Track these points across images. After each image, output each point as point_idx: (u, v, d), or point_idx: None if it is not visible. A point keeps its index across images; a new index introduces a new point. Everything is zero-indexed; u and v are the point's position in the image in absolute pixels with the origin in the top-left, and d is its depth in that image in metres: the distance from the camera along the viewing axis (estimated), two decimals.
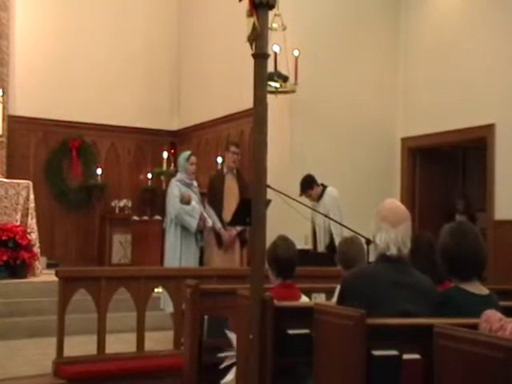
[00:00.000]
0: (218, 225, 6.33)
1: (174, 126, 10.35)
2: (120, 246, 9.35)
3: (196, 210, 6.06)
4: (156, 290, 5.44)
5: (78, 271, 5.53)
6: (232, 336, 3.52)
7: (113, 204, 9.73)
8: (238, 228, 6.33)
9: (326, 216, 6.08)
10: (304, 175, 6.55)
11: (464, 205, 7.97)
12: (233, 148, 6.54)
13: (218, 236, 6.36)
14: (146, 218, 9.56)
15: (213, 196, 6.49)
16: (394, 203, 2.83)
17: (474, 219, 7.53)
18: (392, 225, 2.70)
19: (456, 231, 2.69)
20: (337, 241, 6.25)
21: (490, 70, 6.99)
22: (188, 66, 10.16)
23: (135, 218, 9.44)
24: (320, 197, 6.50)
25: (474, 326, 2.27)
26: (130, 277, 5.17)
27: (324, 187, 6.54)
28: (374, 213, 2.79)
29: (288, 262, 3.51)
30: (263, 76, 3.00)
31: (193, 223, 6.01)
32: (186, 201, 6.00)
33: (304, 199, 6.30)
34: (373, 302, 2.52)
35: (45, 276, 7.08)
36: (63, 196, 9.54)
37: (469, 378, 2.06)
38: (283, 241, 3.59)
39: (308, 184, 6.48)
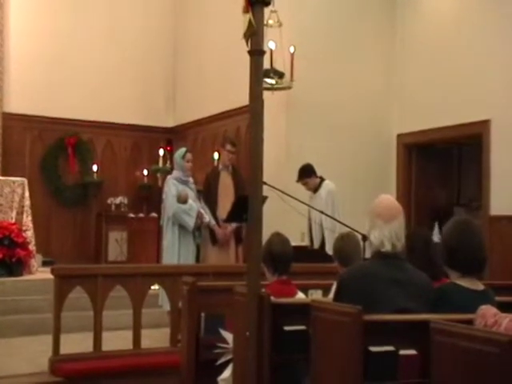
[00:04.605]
0: (212, 222, 6.33)
1: (170, 122, 10.33)
2: (116, 244, 9.34)
3: (193, 209, 6.05)
4: (153, 286, 5.43)
5: (74, 269, 5.51)
6: (227, 336, 3.53)
7: (109, 201, 9.71)
8: (234, 225, 6.33)
9: (321, 212, 6.09)
10: (304, 164, 6.57)
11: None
12: (228, 146, 6.52)
13: (212, 233, 6.37)
14: (142, 215, 9.55)
15: (207, 193, 6.48)
16: (388, 199, 2.84)
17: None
18: (386, 221, 2.70)
19: (461, 224, 2.71)
20: (327, 235, 6.29)
21: (485, 66, 7.00)
22: (184, 63, 10.14)
23: (131, 215, 9.43)
24: (317, 189, 6.53)
25: (470, 322, 2.28)
26: (126, 274, 5.16)
27: (322, 180, 6.58)
28: (368, 209, 2.80)
29: (283, 257, 3.52)
30: (259, 73, 3.00)
31: (190, 222, 6.00)
32: (182, 200, 5.99)
33: (301, 196, 6.30)
34: (370, 300, 2.53)
35: (41, 274, 7.06)
36: (59, 193, 9.53)
37: (465, 373, 2.07)
38: (277, 237, 3.61)
39: (306, 172, 6.51)
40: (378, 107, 8.11)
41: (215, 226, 6.33)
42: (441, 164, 8.38)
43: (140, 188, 10.00)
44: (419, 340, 2.35)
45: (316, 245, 6.52)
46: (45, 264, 7.87)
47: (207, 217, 6.25)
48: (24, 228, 7.24)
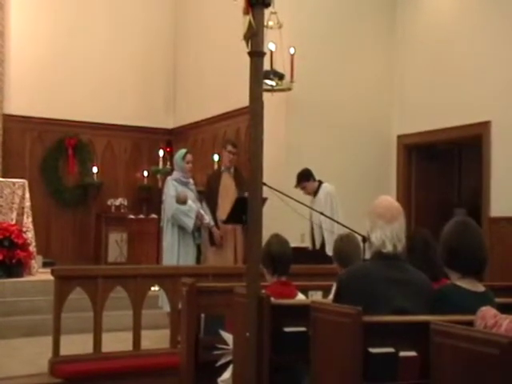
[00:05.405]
0: (211, 223, 6.34)
1: (170, 124, 10.34)
2: (116, 245, 9.34)
3: (192, 210, 6.05)
4: (153, 288, 5.43)
5: (74, 270, 5.52)
6: (227, 337, 3.53)
7: (109, 202, 9.71)
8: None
9: (321, 213, 6.09)
10: (302, 169, 6.58)
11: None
12: (229, 147, 6.53)
13: (210, 234, 6.38)
14: (141, 216, 9.54)
15: (208, 194, 6.50)
16: (388, 200, 2.84)
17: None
18: (387, 222, 2.70)
19: (460, 225, 2.71)
20: (326, 236, 6.29)
21: (485, 68, 7.00)
22: (184, 64, 10.14)
23: (131, 216, 9.43)
24: (316, 192, 6.54)
25: (470, 323, 2.28)
26: (126, 275, 5.16)
27: (320, 183, 6.58)
28: (368, 210, 2.79)
29: (282, 258, 3.52)
30: (259, 74, 3.00)
31: (189, 223, 6.00)
32: (181, 201, 5.99)
33: (301, 197, 6.30)
34: (369, 300, 2.53)
35: (41, 275, 7.06)
36: (59, 194, 9.53)
37: (465, 375, 2.07)
38: (276, 238, 3.61)
39: (304, 176, 6.52)
40: (378, 108, 8.11)
41: (213, 228, 6.35)
42: (441, 165, 8.38)
43: (140, 189, 10.00)
44: (419, 341, 2.35)
45: (317, 246, 6.52)
46: (45, 265, 7.87)
47: (207, 218, 6.25)
48: (24, 229, 7.23)
